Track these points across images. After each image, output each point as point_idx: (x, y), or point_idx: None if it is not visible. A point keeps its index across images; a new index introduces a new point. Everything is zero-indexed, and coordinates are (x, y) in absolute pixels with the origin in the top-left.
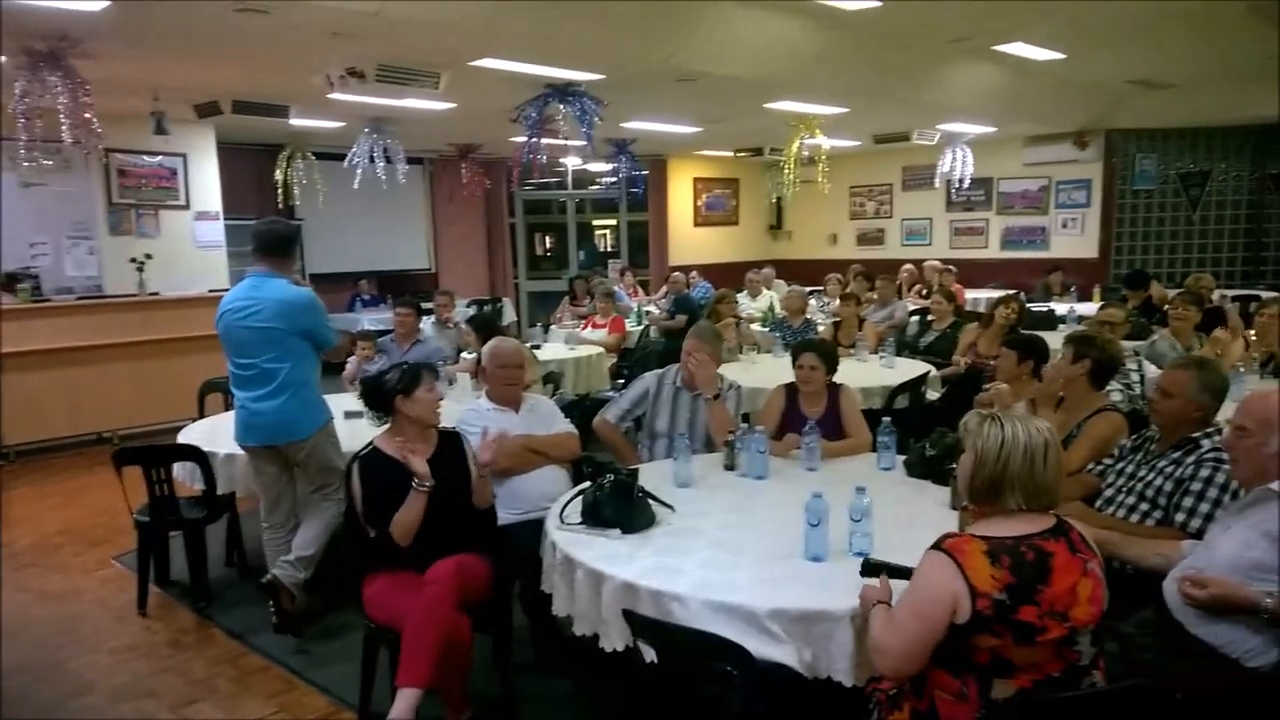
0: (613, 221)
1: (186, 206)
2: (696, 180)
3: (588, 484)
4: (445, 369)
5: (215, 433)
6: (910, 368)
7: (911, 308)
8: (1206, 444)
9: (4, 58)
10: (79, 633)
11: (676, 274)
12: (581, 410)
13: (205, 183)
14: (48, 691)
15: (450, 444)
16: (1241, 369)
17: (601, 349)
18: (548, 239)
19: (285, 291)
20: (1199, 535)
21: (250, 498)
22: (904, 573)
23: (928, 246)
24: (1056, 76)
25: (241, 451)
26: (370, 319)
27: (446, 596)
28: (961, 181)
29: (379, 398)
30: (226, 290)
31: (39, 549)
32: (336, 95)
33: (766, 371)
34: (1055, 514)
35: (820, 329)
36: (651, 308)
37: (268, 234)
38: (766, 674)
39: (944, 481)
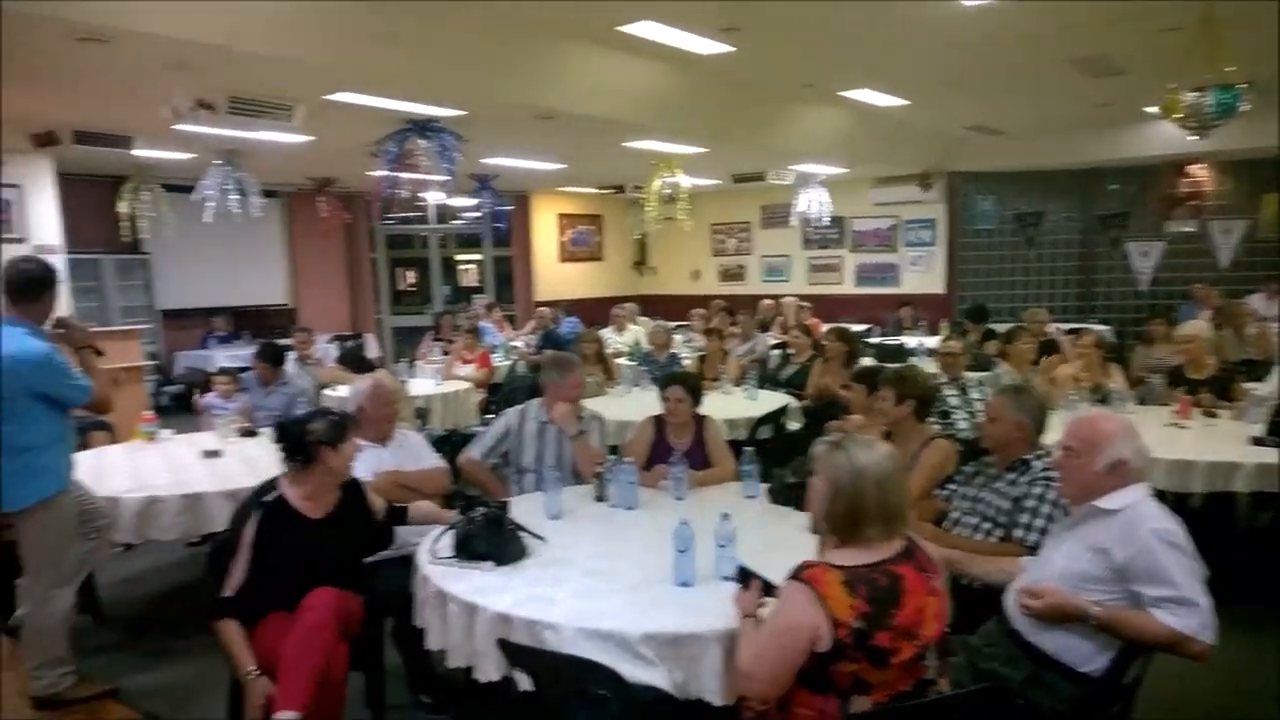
0: (477, 257)
1: (23, 239)
2: (561, 216)
3: (459, 518)
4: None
5: None
6: (772, 399)
7: (773, 341)
8: (1037, 465)
9: None
10: None
11: (543, 309)
12: (450, 445)
13: (43, 215)
14: None
15: (352, 493)
16: (1074, 397)
17: (469, 384)
18: (409, 274)
19: (18, 345)
20: (1035, 549)
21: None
22: (774, 589)
23: (786, 283)
24: (900, 121)
25: (96, 492)
26: (226, 356)
27: (327, 622)
28: (817, 220)
29: (299, 445)
30: None
31: None
32: (185, 127)
33: (634, 404)
34: (905, 535)
35: (685, 363)
36: (518, 343)
37: (15, 275)
38: (640, 696)
39: (805, 508)
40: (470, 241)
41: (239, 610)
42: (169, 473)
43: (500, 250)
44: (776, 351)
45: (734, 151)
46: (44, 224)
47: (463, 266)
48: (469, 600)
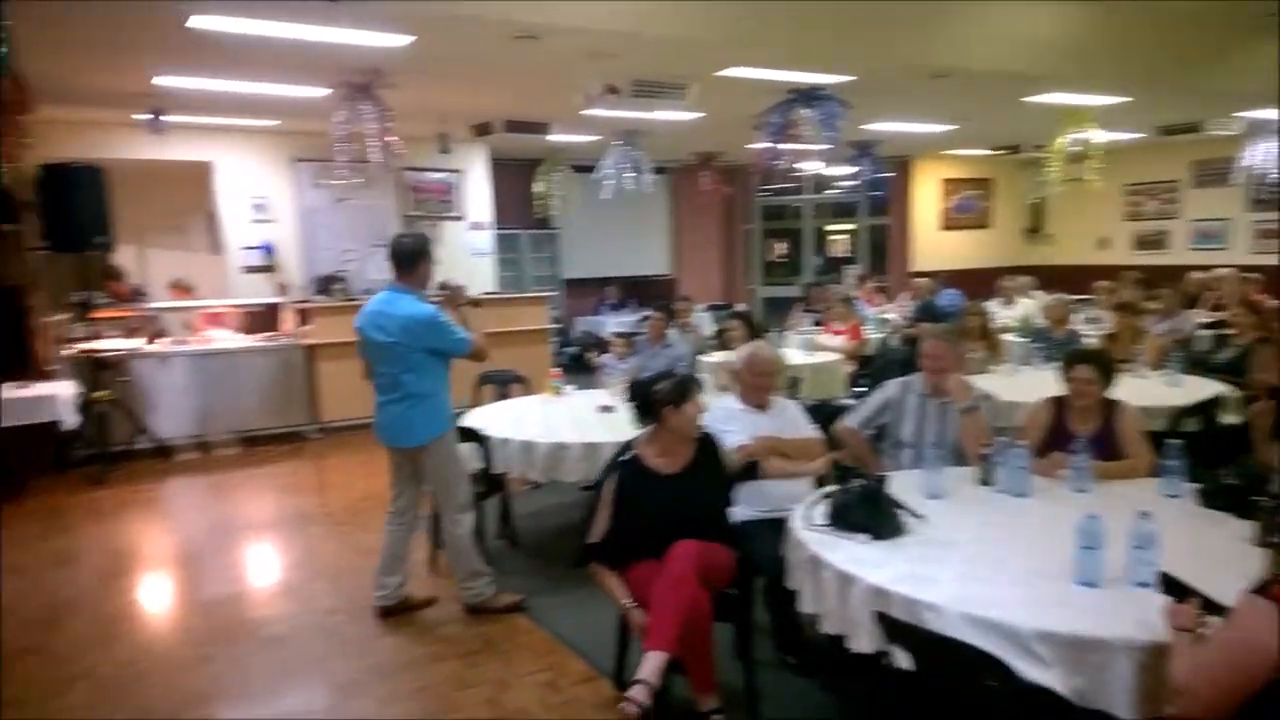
0: (847, 226)
1: (462, 218)
2: (945, 181)
3: (834, 487)
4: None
5: (492, 419)
6: (1200, 387)
7: (1202, 320)
8: None
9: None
10: None
11: (920, 280)
12: (822, 415)
13: (478, 196)
14: (359, 629)
15: (705, 448)
16: None
17: (839, 356)
18: (779, 245)
19: (410, 309)
20: None
21: (521, 478)
22: (1212, 606)
23: (1223, 251)
24: None
25: (515, 436)
26: (615, 322)
27: (688, 571)
28: (1270, 176)
29: (645, 404)
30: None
31: (350, 510)
32: (593, 111)
33: (1025, 384)
34: None
35: (1087, 340)
36: (892, 315)
37: (396, 248)
38: (1032, 695)
39: (1247, 514)
40: (844, 211)
41: (601, 556)
42: (572, 423)
43: (875, 219)
44: (1207, 332)
45: (1163, 99)
46: (478, 204)
47: (833, 237)
48: (845, 570)
